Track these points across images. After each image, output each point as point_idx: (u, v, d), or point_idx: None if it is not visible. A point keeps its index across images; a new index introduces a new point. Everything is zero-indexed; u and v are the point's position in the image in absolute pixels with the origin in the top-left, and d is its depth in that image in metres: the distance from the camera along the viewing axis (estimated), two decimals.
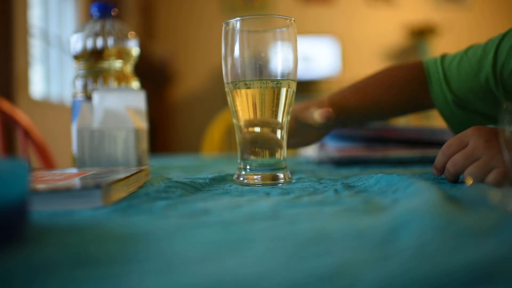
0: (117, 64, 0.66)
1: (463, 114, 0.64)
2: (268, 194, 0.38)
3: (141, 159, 0.60)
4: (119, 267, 0.18)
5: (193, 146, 3.50)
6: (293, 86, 0.48)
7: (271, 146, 0.47)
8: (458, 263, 0.17)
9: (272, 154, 0.47)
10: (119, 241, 0.23)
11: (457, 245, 0.19)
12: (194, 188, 0.42)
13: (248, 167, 0.47)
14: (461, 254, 0.18)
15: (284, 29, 0.47)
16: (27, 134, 1.04)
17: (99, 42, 0.65)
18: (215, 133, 1.91)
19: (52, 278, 0.17)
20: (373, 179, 0.44)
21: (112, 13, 0.67)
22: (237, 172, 0.48)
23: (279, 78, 0.46)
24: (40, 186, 0.33)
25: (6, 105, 1.04)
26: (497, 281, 0.15)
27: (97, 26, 0.65)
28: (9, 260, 0.19)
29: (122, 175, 0.39)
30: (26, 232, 0.24)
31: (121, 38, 0.66)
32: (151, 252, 0.21)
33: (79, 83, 0.65)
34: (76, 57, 0.66)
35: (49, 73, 2.65)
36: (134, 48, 0.68)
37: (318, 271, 0.17)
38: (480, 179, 0.38)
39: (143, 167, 0.48)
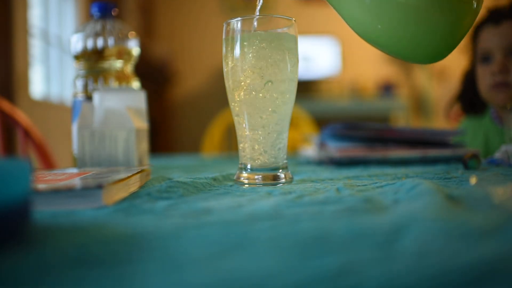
0: (118, 64, 0.66)
1: None
2: (269, 194, 0.38)
3: (142, 159, 0.60)
4: (122, 267, 0.18)
5: (193, 146, 3.50)
6: (294, 86, 0.48)
7: (272, 145, 0.47)
8: (462, 263, 0.17)
9: (272, 154, 0.47)
10: (122, 241, 0.23)
11: (461, 245, 0.19)
12: (196, 188, 0.42)
13: (249, 166, 0.47)
14: (465, 254, 0.18)
15: (285, 29, 0.47)
16: (27, 134, 1.04)
17: (100, 42, 0.65)
18: (215, 133, 1.91)
19: (54, 278, 0.17)
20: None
21: (112, 13, 0.67)
22: (238, 172, 0.48)
23: (280, 78, 0.46)
24: (42, 186, 0.33)
25: (6, 105, 1.04)
26: (501, 281, 0.15)
27: (98, 26, 0.65)
28: (12, 260, 0.19)
29: (123, 175, 0.39)
30: (28, 232, 0.24)
31: (122, 38, 0.66)
32: (154, 252, 0.21)
33: (79, 83, 0.65)
34: (77, 57, 0.66)
35: (49, 73, 2.65)
36: (134, 48, 0.68)
37: (322, 271, 0.17)
38: None
39: (143, 167, 0.48)
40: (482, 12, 0.99)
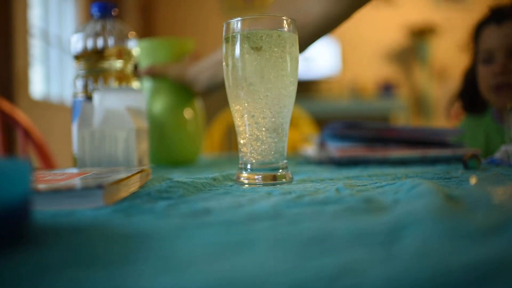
0: (118, 64, 0.66)
1: None
2: (269, 193, 0.38)
3: (142, 159, 0.60)
4: (122, 267, 0.18)
5: None
6: (294, 86, 0.48)
7: (272, 145, 0.47)
8: (462, 263, 0.17)
9: (272, 154, 0.47)
10: (122, 241, 0.23)
11: (461, 245, 0.19)
12: (195, 188, 0.42)
13: (249, 166, 0.47)
14: (465, 254, 0.18)
15: (285, 28, 0.47)
16: (27, 134, 1.04)
17: (100, 42, 0.65)
18: (215, 133, 1.90)
19: (54, 278, 0.17)
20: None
21: (112, 13, 0.67)
22: (238, 172, 0.48)
23: (280, 78, 0.46)
24: (42, 186, 0.33)
25: (6, 105, 1.04)
26: (501, 281, 0.15)
27: (98, 26, 0.65)
28: (12, 260, 0.19)
29: (123, 175, 0.39)
30: (28, 232, 0.24)
31: (122, 38, 0.66)
32: (153, 252, 0.21)
33: (79, 83, 0.65)
34: (77, 57, 0.66)
35: (49, 73, 2.65)
36: (134, 48, 0.68)
37: (322, 271, 0.17)
38: None
39: (143, 167, 0.48)
40: (484, 12, 0.99)
